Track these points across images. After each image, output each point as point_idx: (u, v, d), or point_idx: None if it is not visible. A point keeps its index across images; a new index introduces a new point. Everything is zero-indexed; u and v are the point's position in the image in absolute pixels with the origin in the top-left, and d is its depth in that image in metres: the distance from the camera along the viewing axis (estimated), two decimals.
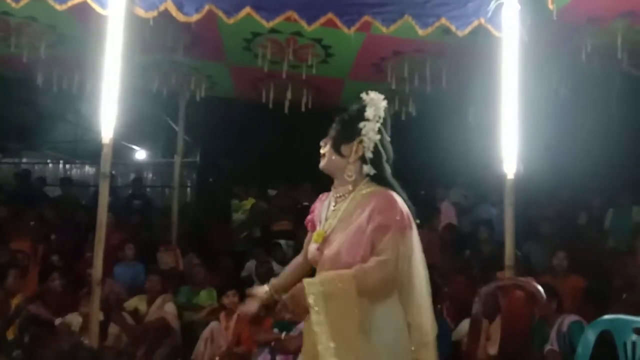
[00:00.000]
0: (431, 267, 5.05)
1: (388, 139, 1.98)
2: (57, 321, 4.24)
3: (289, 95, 5.53)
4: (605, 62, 4.23)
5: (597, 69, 4.37)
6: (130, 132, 8.58)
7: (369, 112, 1.93)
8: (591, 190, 6.38)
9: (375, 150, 1.92)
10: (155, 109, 8.21)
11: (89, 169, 10.35)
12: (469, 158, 6.29)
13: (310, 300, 1.76)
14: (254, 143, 8.46)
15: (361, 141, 1.92)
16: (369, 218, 1.83)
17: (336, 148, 1.97)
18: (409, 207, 1.91)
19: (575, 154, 6.20)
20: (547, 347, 3.20)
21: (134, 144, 10.93)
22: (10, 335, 4.12)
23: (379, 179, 1.93)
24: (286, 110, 5.62)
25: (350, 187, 1.95)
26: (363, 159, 1.93)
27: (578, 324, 3.22)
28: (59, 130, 10.01)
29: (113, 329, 4.29)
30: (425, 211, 5.92)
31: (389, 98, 6.19)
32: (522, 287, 3.02)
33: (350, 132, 1.94)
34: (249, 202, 6.96)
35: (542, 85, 4.69)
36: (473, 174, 6.67)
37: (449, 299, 4.40)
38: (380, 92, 5.82)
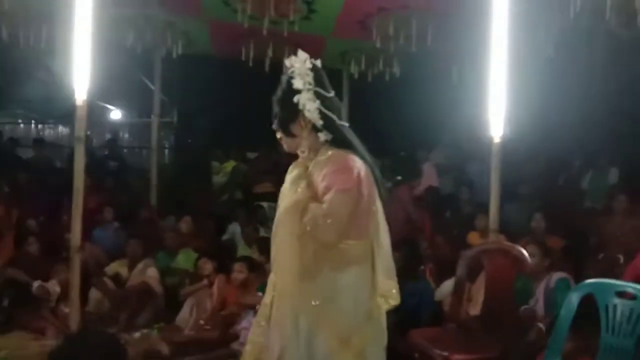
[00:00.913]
0: (413, 228, 5.03)
1: (330, 94, 1.90)
2: (35, 284, 4.16)
3: (269, 53, 5.37)
4: (593, 20, 4.16)
5: (584, 27, 4.31)
6: (105, 91, 8.27)
7: (297, 83, 1.85)
8: (572, 152, 6.44)
9: (323, 116, 1.86)
10: (129, 67, 7.89)
11: (62, 129, 10.03)
12: (452, 119, 6.26)
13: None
14: (233, 102, 8.26)
15: (304, 115, 1.86)
16: (321, 182, 1.83)
17: (287, 132, 1.93)
18: (369, 163, 1.89)
19: (557, 116, 6.20)
20: (532, 302, 3.26)
21: (109, 103, 10.59)
22: None
23: (336, 141, 1.89)
24: (267, 68, 5.46)
25: (312, 155, 1.92)
26: (316, 128, 1.88)
27: (564, 281, 3.28)
28: (30, 89, 9.58)
29: (94, 294, 4.25)
30: (406, 171, 5.93)
31: (374, 57, 6.07)
32: (506, 250, 3.04)
33: (290, 111, 1.88)
34: (229, 165, 6.85)
35: (527, 44, 4.61)
36: (456, 135, 6.65)
37: (431, 260, 4.45)
38: (365, 50, 5.62)
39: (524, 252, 2.89)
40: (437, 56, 5.26)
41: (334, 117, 1.87)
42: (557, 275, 3.29)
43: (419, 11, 4.39)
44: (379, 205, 1.88)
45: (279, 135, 1.96)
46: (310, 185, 1.86)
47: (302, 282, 1.80)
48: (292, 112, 1.87)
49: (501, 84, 3.46)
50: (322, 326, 1.79)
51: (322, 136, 1.87)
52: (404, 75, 5.72)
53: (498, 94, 3.46)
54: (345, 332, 1.79)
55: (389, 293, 1.87)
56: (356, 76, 5.73)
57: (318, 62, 1.91)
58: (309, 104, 1.84)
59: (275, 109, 1.94)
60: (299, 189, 1.86)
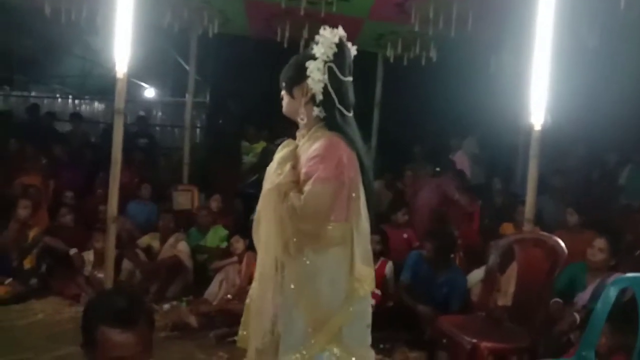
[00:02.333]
0: (445, 216, 4.96)
1: (345, 79, 1.84)
2: (72, 251, 4.30)
3: (305, 34, 5.32)
4: None
5: (633, 19, 4.14)
6: (140, 69, 8.38)
7: (317, 50, 1.81)
8: (610, 146, 6.26)
9: (325, 92, 1.81)
10: (165, 46, 7.98)
11: (98, 105, 10.23)
12: (487, 107, 6.13)
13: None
14: (265, 84, 8.26)
15: (308, 82, 1.83)
16: (303, 167, 1.81)
17: (289, 90, 1.90)
18: (357, 149, 1.84)
19: (597, 108, 6.02)
20: (579, 295, 3.18)
21: (143, 82, 10.74)
22: (27, 264, 4.19)
23: (328, 122, 1.84)
24: (301, 50, 5.42)
25: (305, 131, 1.90)
26: (314, 101, 1.84)
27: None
28: (67, 64, 9.79)
29: (126, 264, 4.36)
30: (438, 159, 5.87)
31: (410, 41, 5.92)
32: (542, 241, 2.98)
33: (299, 72, 1.85)
34: (259, 145, 6.87)
35: (572, 33, 4.46)
36: (490, 124, 6.53)
37: (461, 248, 4.41)
38: (402, 34, 5.48)
39: (561, 243, 2.83)
40: (476, 42, 5.14)
41: (336, 99, 1.82)
42: (617, 275, 3.13)
43: None
44: (361, 192, 1.86)
45: (282, 92, 1.94)
46: (296, 166, 1.85)
47: (283, 263, 1.82)
48: (300, 74, 1.84)
49: (544, 72, 3.36)
50: (300, 306, 1.81)
51: (316, 111, 1.83)
52: (440, 61, 5.61)
53: (540, 82, 3.36)
54: (322, 314, 1.81)
55: (365, 279, 1.85)
56: (392, 60, 5.66)
57: (353, 47, 1.88)
58: (315, 73, 1.80)
59: (289, 67, 1.92)
60: (283, 172, 1.84)
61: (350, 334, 1.84)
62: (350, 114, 1.88)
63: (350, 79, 1.87)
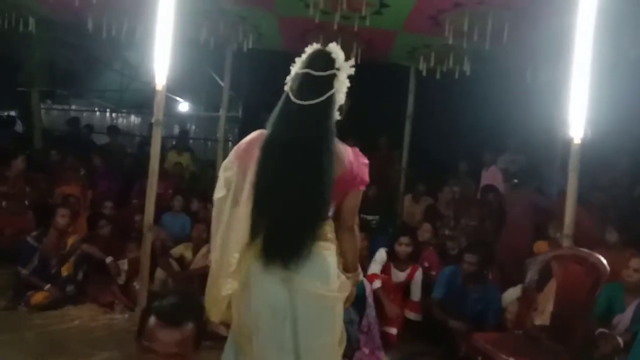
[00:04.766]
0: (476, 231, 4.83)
1: (300, 71, 1.97)
2: (108, 260, 4.38)
3: None
4: None
5: None
6: (175, 84, 8.60)
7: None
8: None
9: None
10: (199, 61, 8.15)
11: (134, 119, 10.52)
12: (523, 120, 6.00)
13: None
14: None
15: None
16: None
17: None
18: (264, 142, 1.96)
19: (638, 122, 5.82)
20: (618, 317, 3.06)
21: (178, 96, 10.99)
22: (64, 271, 4.28)
23: None
24: None
25: None
26: None
27: None
28: (106, 79, 10.12)
29: (159, 274, 4.40)
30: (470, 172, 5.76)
31: (443, 54, 5.84)
32: (582, 257, 2.87)
33: None
34: None
35: (612, 44, 4.35)
36: (525, 137, 6.39)
37: (495, 266, 4.30)
38: (435, 47, 5.45)
39: (603, 260, 2.72)
40: (511, 54, 5.06)
41: (288, 84, 1.97)
42: None
43: (497, 7, 4.22)
44: (247, 182, 1.95)
45: None
46: None
47: None
48: None
49: (584, 83, 3.28)
50: None
51: None
52: (474, 73, 5.54)
53: (580, 94, 3.28)
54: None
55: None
56: (424, 73, 5.62)
57: (336, 46, 2.06)
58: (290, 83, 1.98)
59: None
60: None
61: None
62: (303, 102, 1.92)
63: (309, 71, 1.95)
